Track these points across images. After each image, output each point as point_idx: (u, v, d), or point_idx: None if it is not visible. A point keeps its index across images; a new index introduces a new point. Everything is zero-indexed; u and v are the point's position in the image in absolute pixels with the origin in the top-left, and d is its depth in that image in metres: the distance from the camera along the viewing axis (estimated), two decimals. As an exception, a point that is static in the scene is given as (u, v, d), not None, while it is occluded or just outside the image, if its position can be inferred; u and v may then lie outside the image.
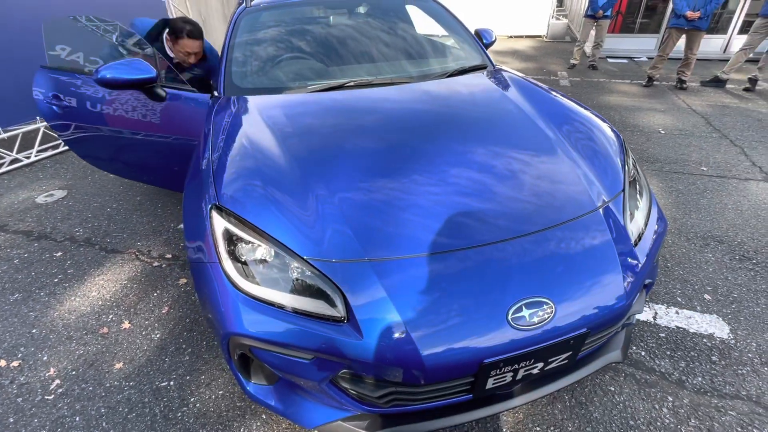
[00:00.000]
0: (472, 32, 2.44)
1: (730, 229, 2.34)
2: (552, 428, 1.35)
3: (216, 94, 1.91)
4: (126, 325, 1.81)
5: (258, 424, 1.39)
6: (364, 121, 1.59)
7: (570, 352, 1.09)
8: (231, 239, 1.12)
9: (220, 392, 1.50)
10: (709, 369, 1.53)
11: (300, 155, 1.37)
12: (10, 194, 3.05)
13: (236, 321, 1.04)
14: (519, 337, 0.99)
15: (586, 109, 1.75)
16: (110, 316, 1.86)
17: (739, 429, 1.32)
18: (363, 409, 1.11)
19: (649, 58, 7.10)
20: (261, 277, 1.07)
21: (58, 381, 1.56)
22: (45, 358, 1.66)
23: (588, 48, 6.82)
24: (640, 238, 1.25)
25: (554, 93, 1.86)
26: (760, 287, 1.91)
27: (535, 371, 1.10)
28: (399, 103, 1.72)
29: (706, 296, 1.86)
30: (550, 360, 1.08)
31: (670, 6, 6.53)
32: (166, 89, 1.96)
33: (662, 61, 5.29)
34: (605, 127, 1.61)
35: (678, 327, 1.71)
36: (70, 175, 3.35)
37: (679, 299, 1.85)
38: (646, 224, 1.31)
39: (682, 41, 5.13)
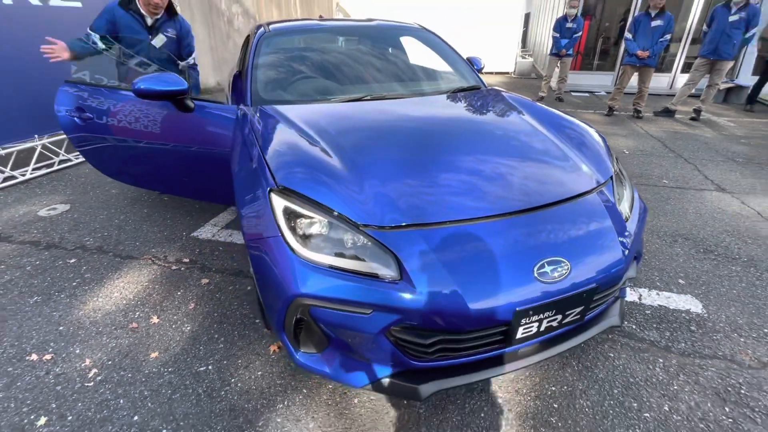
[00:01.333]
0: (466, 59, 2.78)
1: (693, 229, 2.68)
2: (565, 387, 1.53)
3: (241, 105, 2.10)
4: (155, 320, 1.87)
5: (300, 397, 1.49)
6: (388, 121, 1.83)
7: (582, 307, 1.30)
8: (290, 216, 1.28)
9: (259, 373, 1.59)
10: (690, 336, 1.77)
11: (339, 145, 1.57)
12: (9, 209, 3.04)
13: (301, 283, 1.19)
14: (544, 289, 1.19)
15: (571, 116, 2.07)
16: (137, 313, 1.92)
17: (719, 380, 1.55)
18: (410, 364, 1.26)
19: (607, 92, 7.88)
20: (320, 245, 1.23)
21: (95, 370, 1.60)
22: (78, 351, 1.70)
23: (554, 83, 7.52)
24: (627, 218, 1.51)
25: (542, 105, 2.18)
26: (722, 273, 2.21)
27: (555, 324, 1.29)
28: (417, 110, 1.97)
29: (680, 281, 2.14)
30: (567, 312, 1.28)
31: (623, 46, 7.38)
32: (195, 101, 2.13)
33: (620, 93, 5.93)
34: (591, 130, 1.92)
35: (660, 305, 1.96)
36: (70, 191, 3.37)
37: (658, 284, 2.12)
38: (631, 207, 1.58)
39: (635, 77, 5.80)
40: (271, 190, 1.34)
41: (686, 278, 2.16)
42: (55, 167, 3.85)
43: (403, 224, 1.25)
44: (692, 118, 5.73)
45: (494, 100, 2.18)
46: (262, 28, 2.53)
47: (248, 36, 2.84)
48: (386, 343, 1.21)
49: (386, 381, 1.29)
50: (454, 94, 2.24)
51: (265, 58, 2.31)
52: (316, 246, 1.23)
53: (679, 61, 7.68)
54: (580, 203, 1.43)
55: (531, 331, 1.26)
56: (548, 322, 1.26)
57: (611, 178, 1.60)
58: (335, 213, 1.27)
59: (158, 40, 2.75)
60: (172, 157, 2.31)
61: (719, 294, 2.04)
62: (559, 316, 1.27)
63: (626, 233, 1.41)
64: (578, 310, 1.30)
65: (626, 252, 1.36)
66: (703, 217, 2.85)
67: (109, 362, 1.64)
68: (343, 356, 1.32)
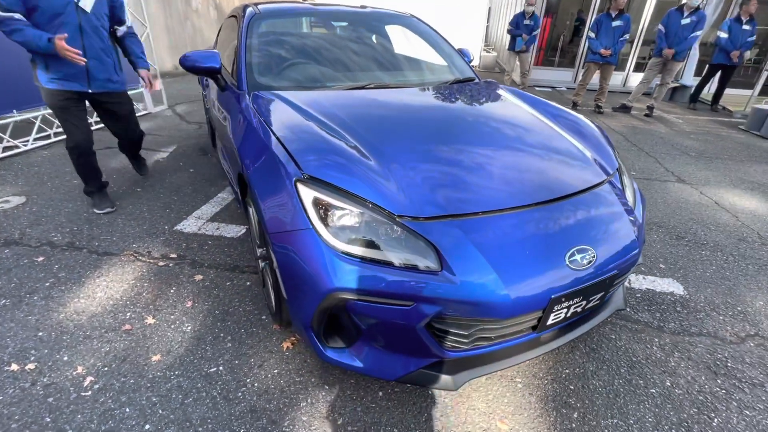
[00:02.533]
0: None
1: (664, 218, 2.90)
2: (577, 369, 1.60)
3: (228, 84, 2.02)
4: (150, 320, 1.74)
5: (323, 393, 1.45)
6: (399, 110, 1.79)
7: (603, 292, 1.36)
8: (320, 207, 1.23)
9: (275, 371, 1.53)
10: (677, 317, 1.91)
11: (358, 133, 1.53)
12: (-50, 202, 2.67)
13: (337, 277, 1.15)
14: (575, 276, 1.23)
15: (566, 108, 2.14)
16: (128, 314, 1.77)
17: (708, 355, 1.70)
18: (445, 355, 1.26)
19: (568, 88, 8.26)
20: (354, 237, 1.19)
21: (91, 378, 1.46)
22: (65, 358, 1.54)
23: (516, 77, 7.76)
24: (633, 207, 1.60)
25: (535, 96, 2.24)
26: (695, 257, 2.41)
27: (579, 309, 1.34)
28: (424, 100, 1.95)
29: (661, 265, 2.31)
30: (590, 298, 1.33)
31: (583, 44, 7.75)
32: (225, 80, 2.12)
33: (583, 90, 6.25)
34: (589, 122, 2.00)
35: (648, 288, 2.10)
36: (23, 181, 3.02)
37: (643, 269, 2.27)
38: (633, 197, 1.67)
39: (596, 75, 6.14)
40: (297, 180, 1.28)
41: (665, 263, 2.34)
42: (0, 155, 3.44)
43: (440, 215, 1.23)
44: (646, 114, 6.16)
45: (497, 92, 2.20)
46: (251, 9, 2.38)
47: (232, 17, 2.66)
48: (425, 334, 1.20)
49: (419, 373, 1.28)
50: (456, 85, 2.25)
51: (259, 40, 2.18)
52: (349, 238, 1.19)
53: (632, 61, 8.21)
54: (596, 193, 1.49)
55: (560, 316, 1.30)
56: (575, 307, 1.31)
57: (617, 169, 1.68)
58: (369, 203, 1.23)
59: (87, 2, 2.18)
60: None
61: (696, 276, 2.22)
62: (584, 302, 1.32)
63: (636, 221, 1.49)
64: (600, 295, 1.36)
65: (638, 239, 1.43)
66: (671, 206, 3.09)
67: (106, 368, 1.50)
68: (373, 350, 1.30)
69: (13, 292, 1.87)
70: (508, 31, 6.90)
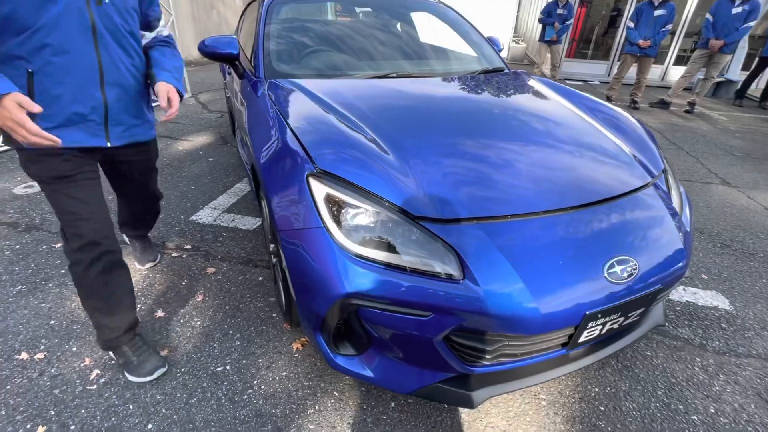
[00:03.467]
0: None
1: (707, 223, 2.67)
2: (608, 388, 1.46)
3: (254, 78, 1.91)
4: (160, 314, 1.70)
5: (332, 401, 1.37)
6: (423, 101, 1.67)
7: (644, 308, 1.21)
8: (333, 205, 1.13)
9: (284, 373, 1.46)
10: (722, 334, 1.74)
11: (378, 126, 1.42)
12: (-22, 185, 2.73)
13: (349, 281, 1.05)
14: (614, 290, 1.10)
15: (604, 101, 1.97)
16: (139, 306, 1.74)
17: (758, 380, 1.52)
18: (465, 370, 1.15)
19: (601, 81, 7.87)
20: (369, 238, 1.10)
21: (97, 371, 1.43)
22: (74, 349, 1.52)
23: (546, 69, 7.44)
24: (680, 213, 1.43)
25: (570, 88, 2.07)
26: (743, 268, 2.20)
27: (616, 326, 1.21)
28: (450, 91, 1.82)
29: (704, 276, 2.12)
30: (629, 314, 1.19)
31: (620, 35, 7.36)
32: (243, 67, 2.05)
33: (618, 83, 5.91)
34: (631, 118, 1.82)
35: (688, 301, 1.92)
36: (48, 167, 3.07)
37: (683, 279, 2.08)
38: (680, 201, 1.50)
39: (632, 69, 5.79)
40: (309, 175, 1.19)
41: (708, 273, 2.14)
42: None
43: (463, 217, 1.12)
44: (687, 111, 5.78)
45: (529, 83, 2.05)
46: (270, -6, 2.30)
47: (254, 1, 2.59)
48: (443, 347, 1.10)
49: (435, 387, 1.18)
50: (484, 76, 2.10)
51: (278, 26, 2.09)
52: (363, 239, 1.09)
53: (673, 53, 7.73)
54: (639, 198, 1.33)
55: (594, 333, 1.17)
56: (611, 324, 1.18)
57: (663, 171, 1.52)
58: (385, 202, 1.13)
59: None
60: None
61: (743, 290, 2.02)
62: (622, 318, 1.19)
63: (683, 229, 1.33)
64: (640, 311, 1.22)
65: (685, 249, 1.28)
66: (714, 211, 2.85)
67: (112, 362, 1.47)
68: (385, 359, 1.21)
69: (29, 278, 1.87)
70: (540, 20, 6.60)
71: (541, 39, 6.74)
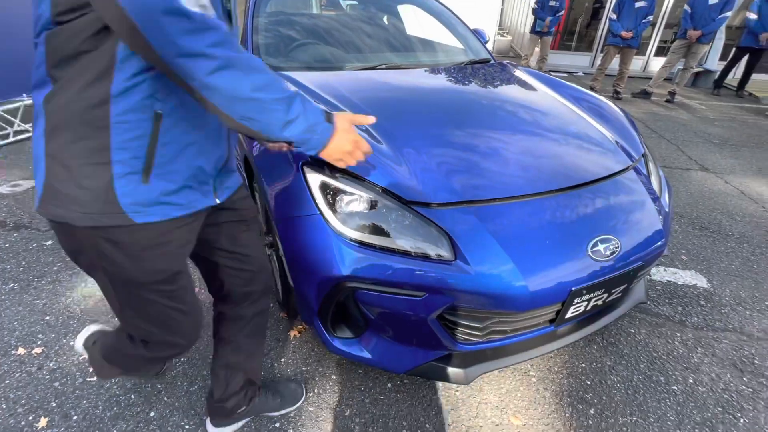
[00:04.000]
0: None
1: (687, 207, 2.78)
2: (594, 364, 1.54)
3: None
4: (156, 306, 1.71)
5: (330, 384, 1.41)
6: (411, 92, 1.71)
7: (626, 284, 1.28)
8: (327, 192, 1.17)
9: (282, 360, 1.49)
10: (700, 311, 1.83)
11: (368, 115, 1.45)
12: (-39, 185, 2.68)
13: (345, 266, 1.09)
14: (598, 267, 1.16)
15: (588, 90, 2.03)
16: (135, 299, 1.75)
17: (734, 352, 1.61)
18: (458, 348, 1.21)
19: (585, 73, 7.99)
20: (364, 223, 1.13)
21: (96, 363, 1.44)
22: (72, 343, 1.53)
23: (533, 62, 7.52)
24: (659, 195, 1.50)
25: (554, 78, 2.13)
26: (720, 248, 2.30)
27: (600, 302, 1.27)
28: (438, 82, 1.86)
29: (683, 257, 2.21)
30: (612, 291, 1.26)
31: (606, 26, 7.47)
32: None
33: (602, 74, 6.02)
34: (613, 105, 1.89)
35: (669, 281, 2.01)
36: (33, 165, 3.02)
37: (663, 260, 2.17)
38: (659, 184, 1.57)
39: (615, 60, 5.90)
40: (304, 164, 1.21)
41: (688, 254, 2.24)
42: (10, 139, 3.44)
43: (454, 201, 1.16)
44: (667, 101, 5.92)
45: (515, 74, 2.10)
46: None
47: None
48: (437, 326, 1.15)
49: (429, 365, 1.23)
50: (471, 66, 2.14)
51: (265, 20, 2.10)
52: (358, 224, 1.13)
53: (654, 44, 7.89)
54: (621, 180, 1.40)
55: (579, 309, 1.23)
56: (596, 300, 1.24)
57: (643, 155, 1.59)
58: (379, 188, 1.16)
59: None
60: None
61: (720, 269, 2.12)
62: (606, 295, 1.25)
63: (662, 210, 1.40)
64: (622, 287, 1.28)
65: (664, 229, 1.35)
66: (694, 195, 2.96)
67: (111, 354, 1.48)
68: (382, 341, 1.25)
69: (21, 276, 1.86)
70: (533, 12, 6.62)
71: (533, 30, 6.79)
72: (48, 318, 1.64)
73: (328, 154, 0.84)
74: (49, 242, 2.12)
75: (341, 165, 0.89)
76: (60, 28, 0.64)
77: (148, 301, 0.87)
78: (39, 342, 1.53)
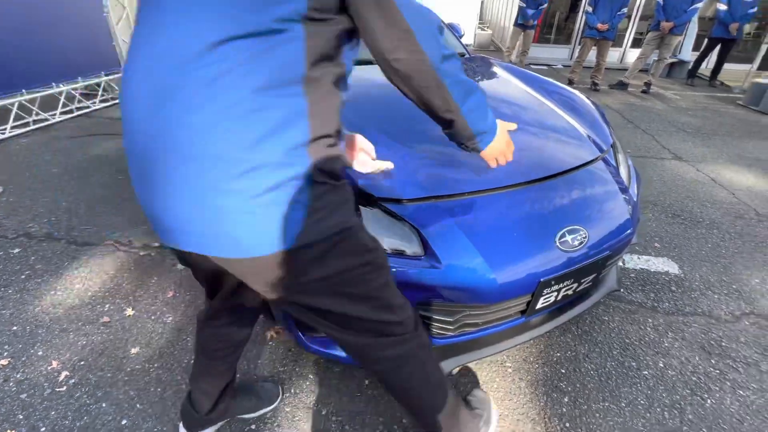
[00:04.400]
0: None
1: (660, 195, 2.84)
2: (568, 352, 1.56)
3: None
4: (129, 312, 1.68)
5: (307, 383, 1.40)
6: (377, 86, 1.69)
7: (595, 274, 1.30)
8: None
9: (258, 361, 1.48)
10: (671, 296, 1.87)
11: (341, 113, 1.43)
12: (-77, 193, 2.58)
13: (315, 265, 1.08)
14: (566, 258, 1.18)
15: (561, 85, 2.05)
16: (107, 306, 1.71)
17: (702, 335, 1.66)
18: (433, 342, 1.21)
19: (564, 65, 8.09)
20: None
21: (66, 373, 1.41)
22: (40, 353, 1.48)
23: (515, 55, 7.57)
24: (628, 185, 1.53)
25: (529, 72, 2.14)
26: (691, 235, 2.36)
27: (570, 292, 1.29)
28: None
29: (656, 244, 2.26)
30: (582, 280, 1.28)
31: (583, 19, 7.55)
32: None
33: (579, 67, 6.10)
34: (585, 98, 1.91)
35: (642, 268, 2.06)
36: None
37: (637, 248, 2.22)
38: (628, 174, 1.60)
39: (593, 52, 5.98)
40: (270, 163, 1.20)
41: (661, 242, 2.29)
42: (-24, 144, 3.32)
43: (422, 196, 1.17)
44: (643, 91, 6.04)
45: (489, 69, 2.11)
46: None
47: None
48: (408, 322, 1.15)
49: (405, 360, 1.23)
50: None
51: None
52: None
53: (630, 36, 8.02)
54: (589, 171, 1.42)
55: (549, 300, 1.25)
56: (565, 290, 1.26)
57: (612, 145, 1.61)
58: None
59: None
60: None
61: (691, 255, 2.18)
62: (575, 284, 1.27)
63: (630, 199, 1.43)
64: (592, 277, 1.30)
65: (632, 218, 1.37)
66: (667, 183, 3.03)
67: (82, 363, 1.45)
68: (357, 338, 1.25)
69: (-13, 286, 1.80)
70: (520, 6, 6.63)
71: (516, 23, 6.81)
72: (15, 328, 1.59)
73: (489, 152, 0.95)
74: (16, 250, 2.05)
75: (493, 164, 0.98)
76: None
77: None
78: (6, 353, 1.48)
